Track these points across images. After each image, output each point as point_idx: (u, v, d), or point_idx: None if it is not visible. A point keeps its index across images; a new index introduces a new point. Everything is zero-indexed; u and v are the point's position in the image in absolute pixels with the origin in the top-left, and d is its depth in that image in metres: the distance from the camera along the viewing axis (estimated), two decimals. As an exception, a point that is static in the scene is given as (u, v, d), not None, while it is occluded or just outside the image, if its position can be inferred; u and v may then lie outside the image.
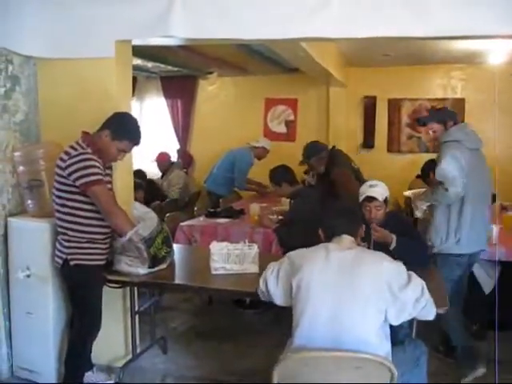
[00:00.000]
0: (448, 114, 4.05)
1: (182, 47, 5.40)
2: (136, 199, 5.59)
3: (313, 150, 5.32)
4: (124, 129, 3.21)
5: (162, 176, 7.32)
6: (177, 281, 3.47)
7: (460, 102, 7.69)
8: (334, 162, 5.29)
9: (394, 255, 2.78)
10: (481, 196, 3.90)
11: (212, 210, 5.51)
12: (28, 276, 3.45)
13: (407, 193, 5.28)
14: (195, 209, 6.25)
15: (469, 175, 3.73)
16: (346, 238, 2.63)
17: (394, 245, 3.35)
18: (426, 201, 4.03)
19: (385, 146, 8.02)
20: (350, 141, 7.93)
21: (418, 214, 4.15)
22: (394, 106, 7.91)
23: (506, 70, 7.03)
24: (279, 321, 4.38)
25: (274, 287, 2.63)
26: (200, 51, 5.95)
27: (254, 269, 3.30)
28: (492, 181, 4.04)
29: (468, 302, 4.36)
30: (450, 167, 3.74)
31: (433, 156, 6.70)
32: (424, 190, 4.52)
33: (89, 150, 3.14)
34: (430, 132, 4.01)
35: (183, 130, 8.66)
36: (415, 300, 2.43)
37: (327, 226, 2.74)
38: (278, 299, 2.62)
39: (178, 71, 7.75)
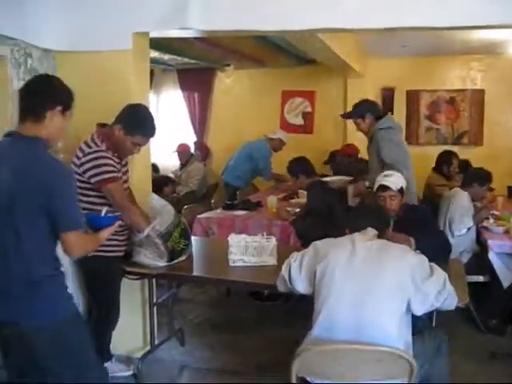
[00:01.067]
0: (365, 108, 4.52)
1: (198, 39, 5.39)
2: (165, 193, 5.70)
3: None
4: (136, 123, 3.15)
5: (182, 168, 7.38)
6: (195, 273, 3.47)
7: (479, 93, 7.59)
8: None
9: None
10: (412, 174, 4.42)
11: (229, 203, 5.51)
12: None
13: (327, 179, 5.41)
14: (212, 201, 6.27)
15: (406, 156, 4.38)
16: (371, 231, 2.64)
17: (413, 248, 3.29)
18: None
19: (403, 137, 7.93)
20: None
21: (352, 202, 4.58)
22: (413, 97, 7.82)
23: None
24: (297, 313, 4.38)
25: (296, 274, 2.63)
26: (217, 43, 5.94)
27: (272, 261, 3.31)
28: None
29: (487, 296, 4.34)
30: (396, 151, 4.27)
31: (451, 148, 6.71)
32: (336, 177, 5.18)
33: (103, 147, 3.12)
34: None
35: (200, 123, 8.66)
36: (437, 292, 2.44)
37: (355, 226, 2.73)
38: (300, 287, 2.63)
39: (195, 64, 7.74)
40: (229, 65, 8.10)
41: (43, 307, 2.24)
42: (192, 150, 7.86)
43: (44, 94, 2.29)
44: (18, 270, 2.20)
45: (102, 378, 2.51)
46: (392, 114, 7.80)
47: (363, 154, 6.78)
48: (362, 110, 4.52)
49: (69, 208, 2.24)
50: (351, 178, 4.92)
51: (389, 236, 3.04)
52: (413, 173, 4.44)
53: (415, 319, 2.61)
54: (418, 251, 2.84)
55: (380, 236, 2.66)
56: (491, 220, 4.73)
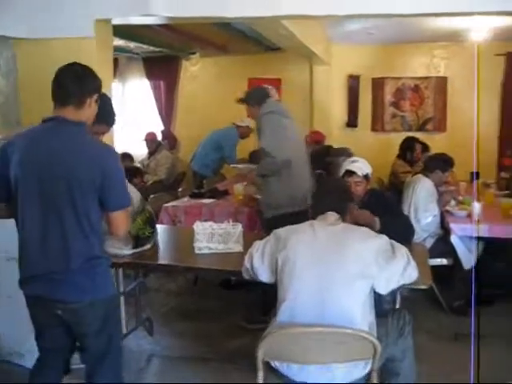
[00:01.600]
0: (249, 95, 4.53)
1: (163, 26, 5.34)
2: (134, 184, 5.67)
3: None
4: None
5: (150, 156, 7.42)
6: (161, 261, 3.45)
7: (442, 81, 7.71)
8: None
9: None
10: (301, 158, 4.40)
11: (196, 191, 5.50)
12: (8, 259, 3.41)
13: (238, 166, 5.54)
14: (180, 189, 6.26)
15: (290, 140, 4.27)
16: (332, 215, 2.63)
17: (377, 227, 3.34)
18: (259, 174, 4.37)
19: (369, 125, 8.04)
20: (334, 120, 7.93)
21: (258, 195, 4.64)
22: (378, 84, 7.90)
23: (489, 48, 7.06)
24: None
25: (259, 263, 2.62)
26: (181, 30, 5.90)
27: (238, 248, 3.30)
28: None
29: (451, 279, 4.44)
30: (272, 137, 4.19)
31: (416, 135, 6.83)
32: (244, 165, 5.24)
33: None
34: None
35: (167, 111, 8.61)
36: (403, 269, 2.48)
37: (315, 204, 2.75)
38: (263, 276, 2.62)
39: (160, 52, 7.70)
40: (194, 53, 8.06)
41: (101, 283, 2.39)
42: (160, 139, 7.86)
43: (87, 81, 2.41)
44: (79, 247, 2.31)
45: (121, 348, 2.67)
46: (357, 100, 7.90)
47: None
48: (247, 97, 4.51)
49: (121, 187, 2.39)
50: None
51: (354, 214, 3.08)
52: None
53: (379, 301, 2.66)
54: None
55: (343, 216, 2.67)
56: (453, 202, 4.83)
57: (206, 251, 3.32)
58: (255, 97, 4.45)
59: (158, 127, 8.46)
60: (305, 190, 4.23)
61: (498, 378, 3.34)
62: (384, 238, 2.54)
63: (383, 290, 2.48)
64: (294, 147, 4.32)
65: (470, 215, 4.47)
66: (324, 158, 5.94)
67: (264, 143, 4.22)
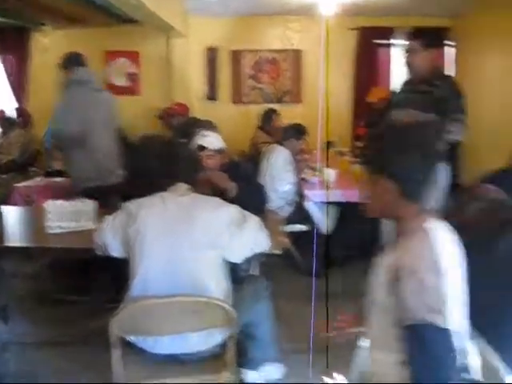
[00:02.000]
0: (63, 60, 4.40)
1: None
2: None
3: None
4: None
5: (3, 135, 7.11)
6: (11, 243, 3.26)
7: (297, 54, 7.92)
8: None
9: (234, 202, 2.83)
10: (105, 132, 4.38)
11: (50, 170, 5.27)
12: None
13: None
14: (33, 169, 5.98)
15: (91, 114, 4.23)
16: (181, 186, 2.62)
17: (234, 193, 3.39)
18: (54, 146, 4.71)
19: (229, 97, 8.08)
20: (194, 92, 7.89)
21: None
22: (237, 57, 7.95)
23: (343, 23, 7.31)
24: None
25: (110, 239, 2.56)
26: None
27: (91, 225, 3.22)
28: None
29: (308, 243, 4.64)
30: (67, 107, 4.23)
31: (275, 106, 6.99)
32: None
33: None
34: None
35: (19, 87, 8.08)
36: (254, 237, 2.55)
37: (165, 174, 2.72)
38: (115, 251, 2.57)
39: (5, 23, 7.18)
40: (45, 24, 7.61)
41: None
42: (14, 116, 7.48)
43: None
44: None
45: None
46: (216, 73, 7.91)
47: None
48: (61, 61, 4.44)
49: None
50: None
51: (209, 174, 3.12)
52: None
53: (235, 269, 2.71)
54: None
55: (194, 187, 2.66)
56: (308, 171, 5.04)
57: (58, 230, 3.22)
58: (66, 61, 4.37)
59: (12, 103, 7.95)
60: (110, 165, 4.30)
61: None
62: (235, 208, 2.57)
63: (236, 258, 2.53)
64: (96, 120, 4.27)
65: (322, 182, 4.70)
66: (189, 129, 5.88)
67: (57, 113, 4.22)
